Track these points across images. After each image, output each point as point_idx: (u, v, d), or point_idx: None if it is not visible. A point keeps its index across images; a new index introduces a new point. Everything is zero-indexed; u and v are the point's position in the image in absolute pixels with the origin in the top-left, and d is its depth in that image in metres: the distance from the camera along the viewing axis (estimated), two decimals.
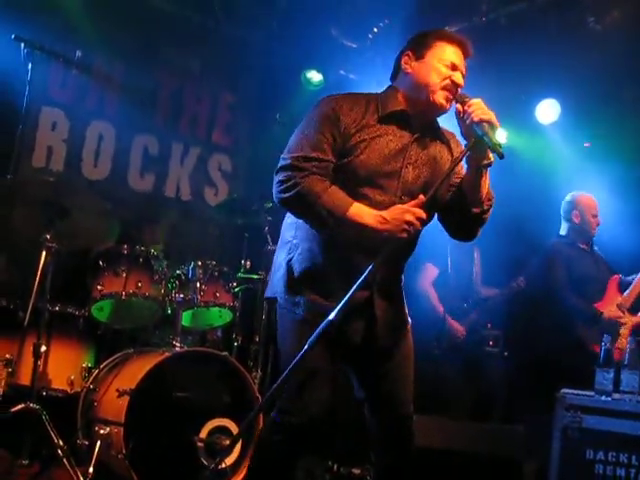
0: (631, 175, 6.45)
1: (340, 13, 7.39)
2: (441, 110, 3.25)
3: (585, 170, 6.79)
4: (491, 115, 3.07)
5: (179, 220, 7.29)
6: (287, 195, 3.09)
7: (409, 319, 3.44)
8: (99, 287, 5.42)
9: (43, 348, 5.03)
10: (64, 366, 5.36)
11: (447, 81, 3.19)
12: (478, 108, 3.08)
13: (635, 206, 6.51)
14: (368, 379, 3.37)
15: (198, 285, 5.63)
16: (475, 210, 3.22)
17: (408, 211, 2.99)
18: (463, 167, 3.28)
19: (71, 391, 5.31)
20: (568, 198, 6.17)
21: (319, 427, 3.21)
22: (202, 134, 7.97)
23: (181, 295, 5.59)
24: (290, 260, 3.26)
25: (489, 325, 6.73)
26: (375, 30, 7.47)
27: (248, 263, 6.28)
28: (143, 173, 7.52)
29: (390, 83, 3.42)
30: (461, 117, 3.14)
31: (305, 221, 3.19)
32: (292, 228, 3.34)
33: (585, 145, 7.23)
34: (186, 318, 5.81)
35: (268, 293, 3.41)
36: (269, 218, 6.17)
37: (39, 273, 5.02)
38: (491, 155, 3.13)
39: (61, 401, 5.23)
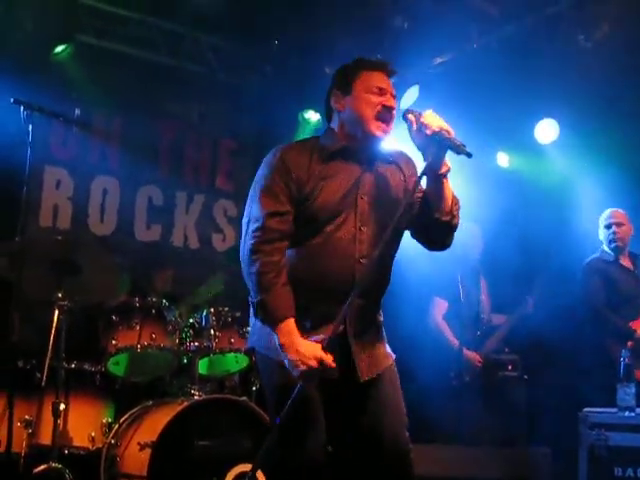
0: (633, 188, 6.44)
1: (332, 51, 7.40)
2: (379, 140, 3.26)
3: (588, 187, 6.79)
4: (444, 123, 3.09)
5: (189, 268, 7.28)
6: (252, 257, 3.09)
7: (392, 354, 3.39)
8: (114, 341, 5.42)
9: (62, 406, 5.02)
10: (84, 423, 5.34)
11: (379, 107, 3.20)
12: (433, 118, 3.09)
13: None
14: (354, 419, 3.27)
15: (212, 332, 5.63)
16: (444, 218, 3.20)
17: (316, 356, 2.97)
18: (421, 187, 3.28)
19: (93, 448, 5.28)
20: (601, 217, 6.23)
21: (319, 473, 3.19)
22: (205, 181, 8.03)
23: (196, 343, 5.58)
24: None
25: (506, 349, 6.66)
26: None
27: None
28: (149, 224, 7.59)
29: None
30: (416, 131, 3.14)
31: (247, 280, 3.16)
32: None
33: None
34: (203, 366, 5.79)
35: (249, 344, 3.41)
36: None
37: (53, 332, 5.02)
38: (447, 162, 3.14)
39: (83, 458, 5.21)
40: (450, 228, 3.25)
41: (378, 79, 3.24)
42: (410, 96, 6.85)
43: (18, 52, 6.46)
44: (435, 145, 3.07)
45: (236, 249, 6.41)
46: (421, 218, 3.26)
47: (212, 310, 5.71)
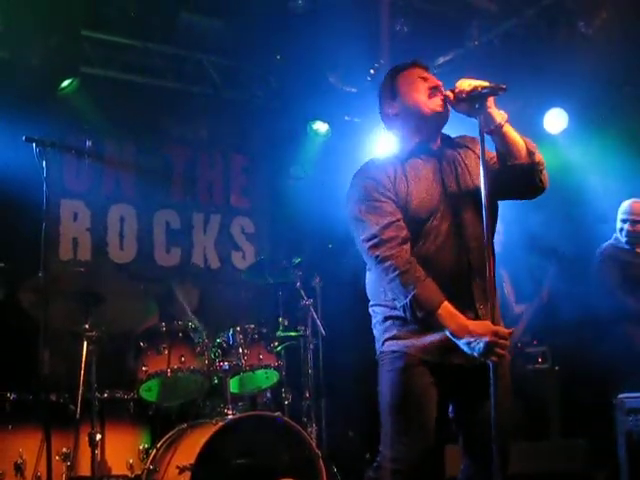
0: None
1: (335, 60, 7.47)
2: (441, 116, 3.32)
3: (600, 175, 6.81)
4: (475, 81, 3.16)
5: (211, 289, 7.34)
6: (384, 266, 3.13)
7: None
8: (144, 368, 5.46)
9: (98, 437, 5.07)
10: (121, 451, 5.38)
11: (427, 90, 3.30)
12: (463, 82, 3.17)
13: None
14: (471, 409, 3.28)
15: (240, 350, 5.66)
16: (524, 161, 3.20)
17: (491, 330, 3.00)
18: (490, 151, 3.32)
19: (132, 475, 5.33)
20: (620, 208, 6.21)
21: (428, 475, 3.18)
22: (220, 200, 8.04)
23: (225, 363, 5.61)
24: (386, 322, 3.30)
25: (535, 342, 6.65)
26: (372, 72, 7.52)
27: (286, 321, 6.27)
28: (169, 248, 7.60)
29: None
30: (457, 102, 3.20)
31: (390, 291, 3.19)
32: (375, 287, 3.36)
33: None
34: (234, 385, 5.81)
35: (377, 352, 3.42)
36: (299, 273, 6.21)
37: (83, 363, 5.08)
38: (499, 113, 3.17)
39: None
40: (535, 167, 3.24)
41: (416, 72, 3.38)
42: None
43: (25, 90, 6.50)
44: (476, 102, 3.13)
45: (256, 265, 6.54)
46: (504, 176, 3.26)
47: (238, 328, 5.74)
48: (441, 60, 7.21)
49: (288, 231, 7.82)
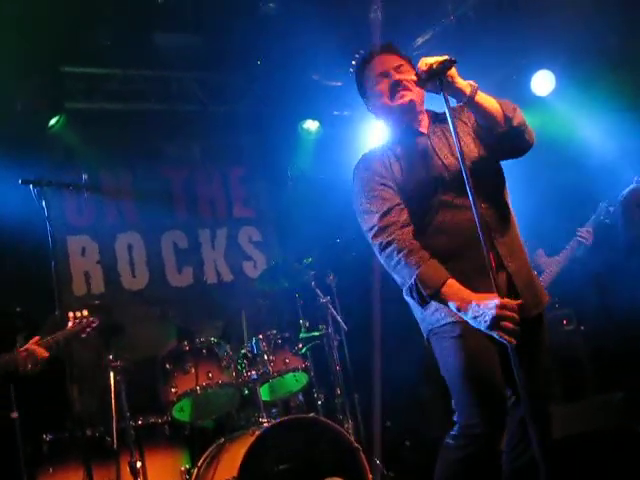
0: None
1: (316, 58, 7.42)
2: (409, 106, 3.36)
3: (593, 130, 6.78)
4: (432, 58, 3.12)
5: (229, 301, 7.29)
6: (387, 252, 3.18)
7: (546, 293, 3.44)
8: (173, 389, 5.46)
9: (139, 464, 5.07)
10: (164, 475, 5.38)
11: (387, 90, 3.36)
12: (422, 62, 3.13)
13: None
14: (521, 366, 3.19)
15: (266, 357, 5.66)
16: (505, 127, 3.20)
17: (496, 303, 2.94)
18: (471, 116, 3.36)
19: None
20: None
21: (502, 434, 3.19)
22: (223, 214, 8.05)
23: (253, 372, 5.61)
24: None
25: (557, 305, 6.59)
26: (354, 63, 7.44)
27: (307, 322, 6.26)
28: (180, 268, 7.61)
29: None
30: (421, 81, 3.19)
31: (396, 274, 3.23)
32: None
33: None
34: (264, 392, 5.81)
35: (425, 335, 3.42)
36: (312, 272, 6.22)
37: (113, 394, 5.08)
38: (467, 84, 3.15)
39: None
40: (515, 131, 3.24)
41: (376, 67, 3.43)
42: None
43: (15, 133, 6.51)
44: (436, 79, 3.12)
45: (268, 271, 6.53)
46: (490, 142, 3.30)
47: (261, 337, 5.74)
48: (420, 41, 7.18)
49: (295, 233, 7.77)
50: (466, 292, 3.05)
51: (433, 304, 3.22)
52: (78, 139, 7.05)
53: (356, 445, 5.29)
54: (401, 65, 3.40)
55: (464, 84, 3.16)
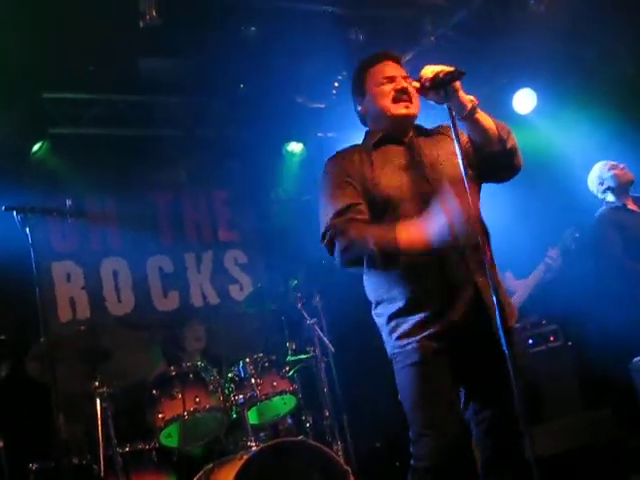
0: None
1: (299, 80, 7.46)
2: (406, 118, 3.34)
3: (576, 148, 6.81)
4: (438, 67, 3.12)
5: (215, 325, 7.21)
6: (340, 248, 3.14)
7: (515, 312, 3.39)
8: (160, 415, 5.38)
9: None
10: None
11: (392, 93, 3.31)
12: (427, 70, 3.13)
13: None
14: (487, 389, 3.22)
15: (253, 381, 5.60)
16: (496, 148, 3.21)
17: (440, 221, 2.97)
18: (464, 134, 3.32)
19: None
20: (591, 175, 6.13)
21: (458, 467, 3.09)
22: (209, 238, 8.01)
23: (240, 396, 5.55)
24: (391, 321, 3.25)
25: (544, 321, 6.60)
26: (336, 84, 7.51)
27: (293, 344, 6.22)
28: (166, 292, 7.56)
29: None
30: (423, 90, 3.17)
31: (370, 264, 3.21)
32: (371, 287, 3.35)
33: None
34: (252, 416, 5.74)
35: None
36: (298, 294, 6.18)
37: (99, 421, 5.00)
38: (469, 99, 3.15)
39: None
40: (507, 153, 3.24)
41: (384, 70, 3.40)
42: None
43: None
44: (441, 88, 3.10)
45: (254, 294, 6.49)
46: (479, 161, 3.27)
47: (248, 360, 5.68)
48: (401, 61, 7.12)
49: (281, 255, 7.76)
50: (415, 223, 3.03)
51: (392, 323, 3.19)
52: (62, 165, 7.03)
53: (346, 467, 5.23)
54: (407, 77, 3.37)
55: (467, 98, 3.16)
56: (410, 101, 3.31)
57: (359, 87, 3.48)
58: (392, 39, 6.75)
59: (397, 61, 3.47)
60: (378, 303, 3.30)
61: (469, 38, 6.74)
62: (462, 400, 3.29)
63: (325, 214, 3.24)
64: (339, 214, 3.16)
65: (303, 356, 6.14)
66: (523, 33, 6.47)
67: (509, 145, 3.23)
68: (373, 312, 3.34)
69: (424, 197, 3.15)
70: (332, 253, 3.21)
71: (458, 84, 3.10)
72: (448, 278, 3.06)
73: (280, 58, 6.86)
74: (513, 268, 6.54)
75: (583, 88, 6.74)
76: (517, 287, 6.49)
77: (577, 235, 6.28)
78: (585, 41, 6.51)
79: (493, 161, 3.24)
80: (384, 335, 3.31)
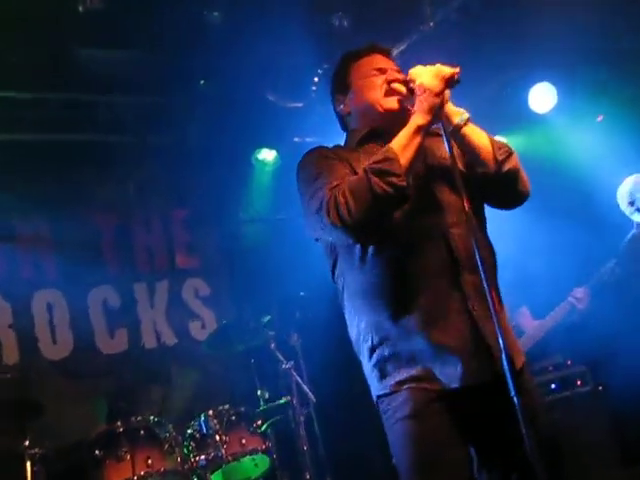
0: None
1: (272, 75, 7.45)
2: (398, 116, 3.30)
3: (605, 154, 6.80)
4: (431, 69, 3.14)
5: (172, 371, 7.27)
6: (344, 202, 3.01)
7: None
8: None
9: None
10: None
11: (384, 86, 3.34)
12: (416, 74, 3.16)
13: None
14: (499, 449, 3.16)
15: (218, 438, 5.61)
16: (491, 169, 3.19)
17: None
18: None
19: None
20: (621, 190, 6.15)
21: None
22: (164, 264, 8.01)
23: (202, 456, 5.54)
24: (373, 356, 3.21)
25: (569, 362, 6.58)
26: (316, 80, 7.51)
27: (266, 393, 6.25)
28: (112, 332, 7.50)
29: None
30: (413, 94, 3.20)
31: (371, 214, 3.04)
32: (353, 324, 3.31)
33: (598, 119, 7.22)
34: None
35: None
36: (272, 333, 6.22)
37: None
38: (457, 112, 3.19)
39: None
40: (505, 178, 3.22)
41: (375, 61, 3.45)
42: None
43: None
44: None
45: (219, 332, 6.47)
46: (476, 182, 3.24)
47: (211, 413, 5.68)
48: (394, 52, 6.91)
49: (250, 285, 7.75)
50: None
51: (378, 367, 3.16)
52: None
53: None
54: (400, 72, 3.38)
55: (454, 111, 3.18)
56: (405, 95, 3.30)
57: (341, 82, 3.50)
58: (383, 25, 6.74)
59: (387, 54, 3.51)
60: (361, 342, 3.27)
61: (475, 22, 6.70)
62: (474, 463, 3.22)
63: (315, 191, 3.13)
64: (335, 187, 3.07)
65: (281, 401, 6.18)
66: (542, 14, 6.41)
67: (506, 167, 3.20)
68: (358, 354, 3.31)
69: (423, 202, 3.16)
70: (335, 221, 3.02)
71: (448, 93, 3.13)
72: (438, 301, 3.05)
73: (249, 49, 6.83)
74: (529, 302, 6.58)
75: (615, 81, 6.76)
76: (531, 327, 6.55)
77: (618, 270, 6.27)
78: (618, 23, 6.52)
79: (489, 184, 3.24)
80: (371, 379, 3.27)
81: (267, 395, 6.25)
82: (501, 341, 2.85)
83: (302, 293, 6.97)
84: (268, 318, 6.23)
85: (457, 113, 3.18)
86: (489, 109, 6.71)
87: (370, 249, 3.13)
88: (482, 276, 2.94)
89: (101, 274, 7.60)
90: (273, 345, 6.18)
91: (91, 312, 7.46)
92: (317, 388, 6.25)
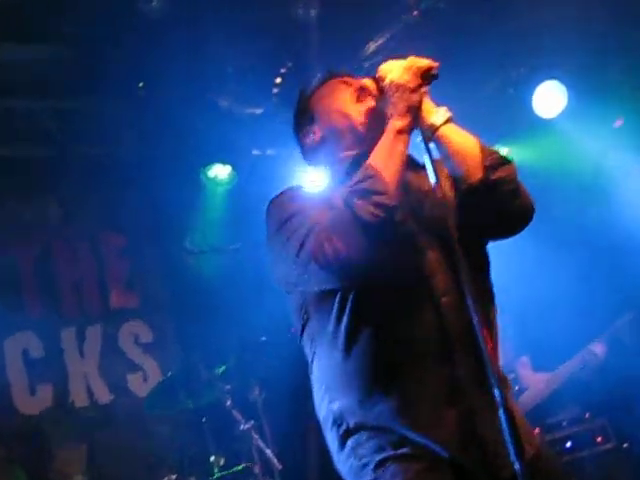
0: None
1: (223, 77, 7.43)
2: (378, 116, 3.20)
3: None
4: (401, 64, 3.09)
5: (105, 434, 7.14)
6: (323, 252, 2.87)
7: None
8: None
9: None
10: None
11: (353, 92, 3.34)
12: (385, 68, 3.14)
13: None
14: None
15: None
16: (475, 179, 3.02)
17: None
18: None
19: None
20: None
21: None
22: (95, 304, 7.87)
23: None
24: (347, 443, 3.07)
25: (587, 415, 6.58)
26: (278, 81, 7.44)
27: (221, 459, 6.16)
28: (33, 387, 7.36)
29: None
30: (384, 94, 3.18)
31: (361, 247, 2.88)
32: (323, 402, 3.18)
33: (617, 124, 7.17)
34: None
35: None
36: (227, 386, 6.12)
37: None
38: (434, 110, 3.10)
39: None
40: (494, 188, 3.03)
41: (335, 81, 3.45)
42: None
43: None
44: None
45: (163, 386, 6.31)
46: (466, 204, 3.08)
47: None
48: (371, 47, 7.19)
49: (201, 329, 7.59)
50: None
51: (349, 445, 3.01)
52: None
53: None
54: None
55: (430, 110, 3.07)
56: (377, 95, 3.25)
57: (303, 114, 3.47)
58: (356, 15, 6.73)
59: (349, 75, 3.50)
60: (331, 424, 3.11)
61: (468, 11, 6.67)
62: None
63: (293, 230, 3.00)
64: (317, 224, 2.94)
65: (236, 473, 6.05)
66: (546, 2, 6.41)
67: (496, 175, 3.03)
68: (325, 434, 3.16)
69: (411, 256, 3.04)
70: (321, 262, 2.89)
71: (425, 90, 3.07)
72: (426, 396, 2.92)
73: (196, 44, 6.79)
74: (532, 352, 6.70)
75: (635, 79, 6.70)
76: (532, 381, 6.62)
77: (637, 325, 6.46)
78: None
79: (479, 198, 3.04)
80: (341, 468, 3.12)
81: (222, 461, 6.18)
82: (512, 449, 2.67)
83: (263, 338, 6.91)
84: (223, 368, 6.17)
85: (434, 111, 3.06)
86: (486, 114, 6.79)
87: (347, 321, 2.99)
88: (483, 358, 2.77)
89: (20, 318, 7.46)
90: (229, 401, 6.07)
91: (8, 363, 7.33)
92: (283, 453, 6.18)
